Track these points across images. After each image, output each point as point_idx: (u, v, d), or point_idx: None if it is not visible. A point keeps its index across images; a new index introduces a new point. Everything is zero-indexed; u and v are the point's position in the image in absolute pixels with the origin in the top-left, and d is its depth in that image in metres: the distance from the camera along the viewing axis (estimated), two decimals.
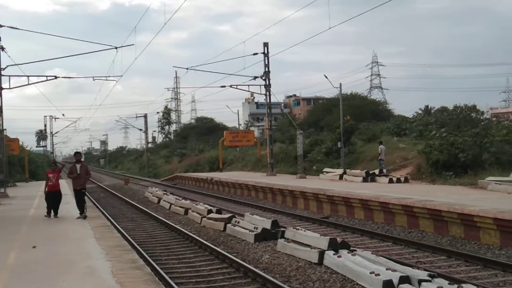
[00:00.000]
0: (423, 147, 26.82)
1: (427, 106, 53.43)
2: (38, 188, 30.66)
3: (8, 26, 25.44)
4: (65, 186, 25.13)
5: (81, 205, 16.81)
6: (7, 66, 26.73)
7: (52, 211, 16.94)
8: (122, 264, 9.65)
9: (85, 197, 17.68)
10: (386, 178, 25.34)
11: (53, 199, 16.96)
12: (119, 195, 33.17)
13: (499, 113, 69.10)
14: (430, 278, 9.07)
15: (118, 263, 9.77)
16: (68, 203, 19.41)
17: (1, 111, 26.56)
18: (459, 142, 24.77)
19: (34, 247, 11.72)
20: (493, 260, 11.31)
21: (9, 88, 28.21)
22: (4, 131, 27.97)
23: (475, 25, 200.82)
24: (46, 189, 17.04)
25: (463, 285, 8.62)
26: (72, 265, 9.78)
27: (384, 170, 27.33)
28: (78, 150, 21.77)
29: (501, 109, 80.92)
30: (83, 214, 16.70)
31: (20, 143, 46.29)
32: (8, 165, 30.35)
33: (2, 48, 25.69)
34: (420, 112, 51.42)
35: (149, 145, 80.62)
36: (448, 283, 8.73)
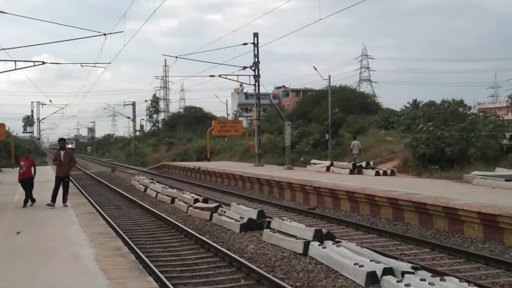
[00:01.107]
0: (410, 141, 26.92)
1: (415, 100, 53.84)
2: None
3: None
4: (52, 172, 24.99)
5: (55, 193, 16.27)
6: None
7: (29, 199, 16.68)
8: (107, 252, 9.62)
9: (70, 184, 17.40)
10: (372, 171, 25.44)
11: (25, 187, 16.70)
12: (105, 182, 33.04)
13: (486, 108, 69.58)
14: (413, 270, 9.13)
15: (102, 250, 9.74)
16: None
17: None
18: (445, 136, 24.88)
19: (18, 233, 11.65)
20: (476, 254, 11.41)
21: None
22: None
23: (466, 21, 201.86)
24: (20, 178, 16.82)
25: (445, 277, 8.69)
26: (56, 251, 9.76)
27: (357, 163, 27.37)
28: (63, 137, 21.31)
29: (488, 104, 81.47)
30: (65, 203, 16.35)
31: (7, 128, 45.85)
32: None
33: None
34: (408, 106, 51.81)
35: (137, 133, 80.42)
36: (431, 276, 8.80)
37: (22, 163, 16.86)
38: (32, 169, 16.74)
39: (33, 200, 16.71)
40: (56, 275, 7.99)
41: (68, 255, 9.42)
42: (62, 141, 17.99)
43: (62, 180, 16.35)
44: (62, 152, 16.47)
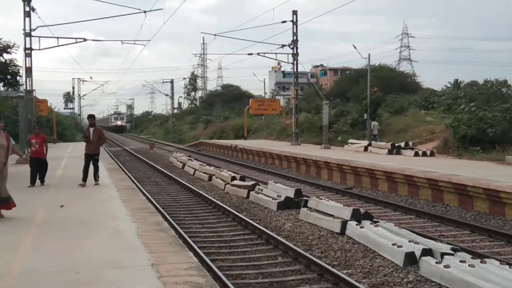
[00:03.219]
0: (451, 121, 26.52)
1: (456, 80, 52.56)
2: (65, 149, 31.15)
3: None
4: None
5: (85, 171, 15.74)
6: (37, 27, 26.76)
7: (38, 179, 15.58)
8: (147, 226, 9.78)
9: (111, 160, 17.56)
10: (411, 151, 25.18)
11: (36, 166, 15.52)
12: (144, 159, 33.49)
13: None
14: (452, 252, 9.07)
15: (143, 224, 9.92)
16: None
17: (31, 72, 26.80)
18: (488, 117, 24.43)
19: (61, 206, 11.93)
20: None
21: (39, 49, 28.27)
22: (33, 91, 28.23)
23: None
24: (30, 156, 15.82)
25: (486, 259, 8.58)
26: (98, 225, 9.97)
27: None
28: (92, 113, 20.40)
29: None
30: (96, 181, 15.78)
31: (49, 104, 46.65)
32: (37, 124, 30.71)
33: (33, 9, 25.78)
34: (449, 85, 50.69)
35: (175, 110, 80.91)
36: (471, 257, 8.72)
37: (33, 140, 15.69)
38: (44, 146, 15.81)
39: (43, 182, 15.70)
40: (98, 248, 8.17)
41: (110, 228, 9.62)
42: (91, 117, 16.71)
43: (91, 158, 15.83)
44: (91, 129, 15.86)
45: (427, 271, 8.49)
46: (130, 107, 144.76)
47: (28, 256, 7.76)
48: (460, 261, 8.42)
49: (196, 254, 9.31)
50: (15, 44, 42.03)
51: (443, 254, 8.92)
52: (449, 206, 15.38)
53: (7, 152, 10.26)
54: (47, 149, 15.96)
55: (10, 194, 10.59)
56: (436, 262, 8.50)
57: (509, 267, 8.23)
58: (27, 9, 25.59)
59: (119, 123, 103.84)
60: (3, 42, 41.76)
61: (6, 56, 41.90)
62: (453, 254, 8.93)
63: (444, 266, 8.23)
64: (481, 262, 8.37)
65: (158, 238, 8.80)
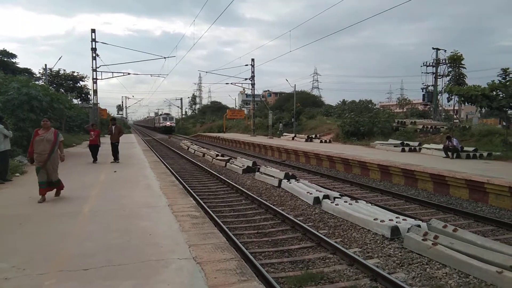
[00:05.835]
0: (340, 123, 26.90)
1: (344, 100, 53.44)
2: None
3: (101, 42, 24.66)
4: (134, 138, 24.66)
5: (115, 153, 14.12)
6: (100, 66, 25.88)
7: (94, 158, 14.01)
8: (166, 183, 9.61)
9: (137, 145, 16.86)
10: (318, 140, 25.42)
11: (93, 149, 14.11)
12: (165, 144, 32.81)
13: (384, 105, 69.56)
14: (340, 196, 9.27)
15: (163, 182, 9.74)
16: (135, 147, 19.08)
17: (96, 93, 25.92)
18: (361, 120, 24.87)
19: (115, 171, 11.58)
20: (375, 187, 11.54)
21: (101, 79, 27.30)
22: (98, 104, 27.31)
23: (375, 53, 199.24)
24: (89, 142, 14.38)
25: (358, 200, 8.82)
26: (137, 182, 9.72)
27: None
28: (114, 117, 17.84)
29: (386, 103, 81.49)
30: (116, 160, 13.99)
31: (108, 111, 45.20)
32: (100, 124, 29.68)
33: (97, 55, 24.87)
34: (339, 103, 51.45)
35: (183, 116, 79.51)
36: (350, 199, 8.93)
37: (92, 133, 14.14)
38: (98, 137, 14.27)
39: (96, 160, 13.96)
40: (137, 196, 7.99)
41: (144, 184, 9.41)
42: (113, 120, 15.02)
43: (113, 145, 14.20)
44: (113, 127, 14.33)
45: (326, 207, 8.67)
46: (157, 114, 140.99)
47: (94, 201, 7.53)
48: (344, 201, 8.63)
49: (194, 199, 9.25)
50: (87, 75, 40.39)
51: (335, 198, 9.11)
52: (339, 171, 15.63)
53: (52, 146, 7.49)
54: (99, 139, 14.54)
55: (59, 178, 7.81)
56: (331, 202, 8.68)
57: (371, 205, 8.48)
58: (94, 55, 24.67)
59: (168, 123, 58.27)
60: (80, 74, 40.33)
61: (82, 83, 40.56)
62: (340, 197, 9.14)
63: (335, 204, 8.42)
64: (355, 201, 8.59)
65: (172, 190, 8.67)
